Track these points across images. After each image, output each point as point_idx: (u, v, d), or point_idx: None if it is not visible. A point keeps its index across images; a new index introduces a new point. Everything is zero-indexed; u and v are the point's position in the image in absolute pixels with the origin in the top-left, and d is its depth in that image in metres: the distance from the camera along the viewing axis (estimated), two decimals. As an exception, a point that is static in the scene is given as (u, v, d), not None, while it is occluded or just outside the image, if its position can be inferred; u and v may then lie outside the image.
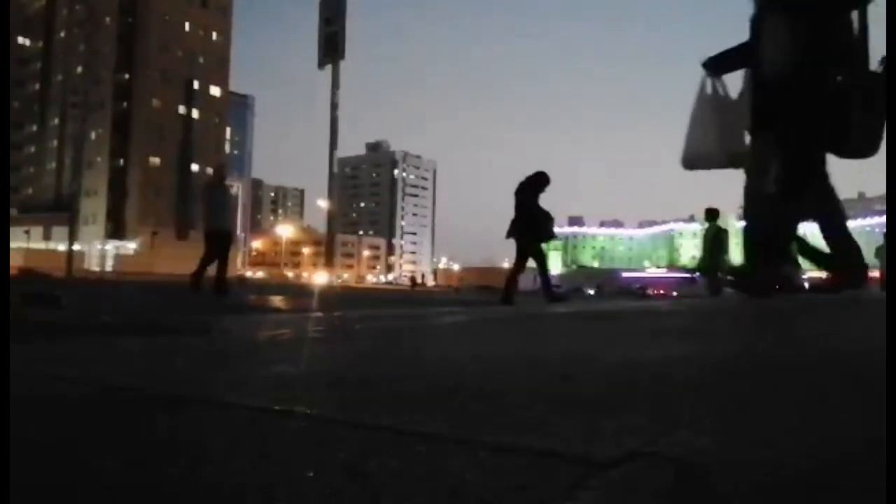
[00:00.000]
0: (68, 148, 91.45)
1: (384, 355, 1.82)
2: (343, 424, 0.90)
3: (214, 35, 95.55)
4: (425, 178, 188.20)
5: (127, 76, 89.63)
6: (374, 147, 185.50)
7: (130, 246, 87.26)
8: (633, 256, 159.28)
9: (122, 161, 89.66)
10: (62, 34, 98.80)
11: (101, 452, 0.80)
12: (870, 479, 0.68)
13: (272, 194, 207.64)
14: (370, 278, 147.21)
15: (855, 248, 4.30)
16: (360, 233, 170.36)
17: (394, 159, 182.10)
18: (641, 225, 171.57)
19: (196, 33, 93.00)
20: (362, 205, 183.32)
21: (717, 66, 4.41)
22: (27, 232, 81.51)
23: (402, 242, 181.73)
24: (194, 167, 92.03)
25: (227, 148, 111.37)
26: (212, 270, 9.35)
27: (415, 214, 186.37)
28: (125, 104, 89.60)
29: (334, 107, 6.80)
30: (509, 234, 8.53)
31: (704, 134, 4.39)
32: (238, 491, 0.65)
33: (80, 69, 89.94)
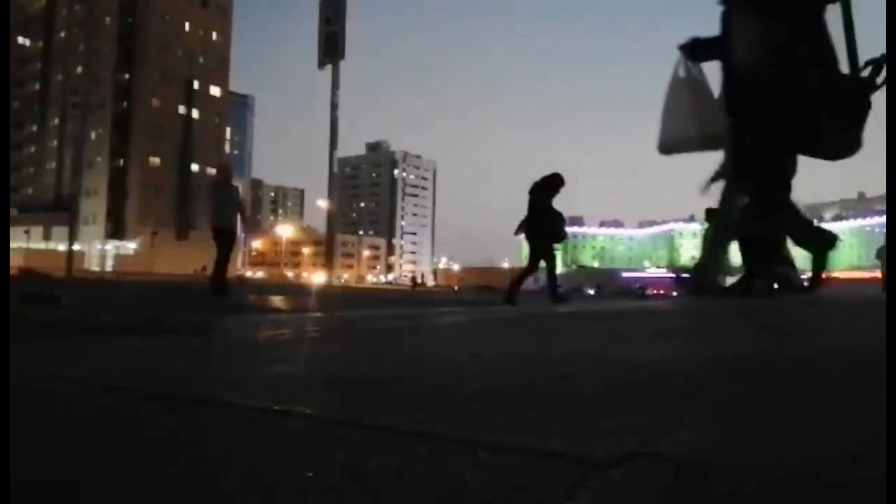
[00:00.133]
0: (68, 148, 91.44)
1: (384, 355, 1.82)
2: (343, 424, 0.90)
3: (214, 35, 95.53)
4: (425, 178, 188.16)
5: (127, 76, 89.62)
6: (374, 147, 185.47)
7: (130, 246, 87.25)
8: (633, 256, 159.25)
9: (122, 161, 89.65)
10: (62, 34, 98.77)
11: (101, 452, 0.80)
12: (870, 479, 0.68)
13: (272, 194, 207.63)
14: (370, 278, 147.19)
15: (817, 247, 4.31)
16: (360, 233, 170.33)
17: (394, 159, 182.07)
18: (641, 225, 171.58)
19: (196, 33, 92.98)
20: (362, 205, 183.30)
21: (693, 50, 4.33)
22: (27, 232, 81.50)
23: (402, 242, 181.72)
24: (194, 167, 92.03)
25: (227, 148, 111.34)
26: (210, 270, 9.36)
27: (415, 214, 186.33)
28: (125, 104, 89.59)
29: (334, 107, 6.80)
30: (518, 232, 8.55)
31: (680, 117, 4.30)
32: (238, 491, 0.65)
33: (80, 69, 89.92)
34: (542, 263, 8.55)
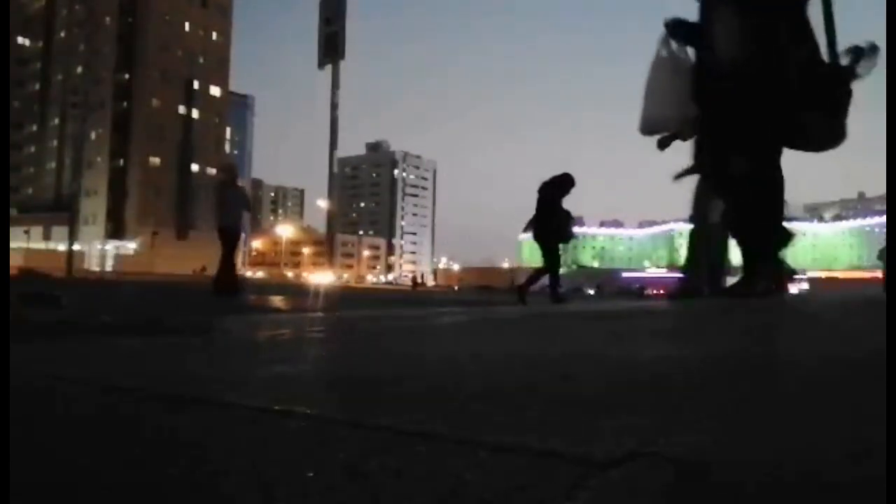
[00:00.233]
0: (68, 148, 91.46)
1: (384, 355, 1.82)
2: (343, 424, 0.90)
3: (214, 35, 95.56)
4: (425, 178, 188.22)
5: (127, 76, 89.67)
6: (374, 147, 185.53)
7: (130, 246, 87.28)
8: (633, 256, 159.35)
9: (122, 161, 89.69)
10: (62, 34, 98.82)
11: (101, 452, 0.80)
12: (870, 479, 0.68)
13: (272, 194, 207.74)
14: (370, 278, 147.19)
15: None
16: (360, 233, 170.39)
17: (394, 159, 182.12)
18: (641, 225, 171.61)
19: (196, 33, 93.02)
20: (362, 205, 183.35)
21: (676, 29, 4.18)
22: (27, 232, 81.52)
23: (402, 242, 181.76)
24: (194, 167, 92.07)
25: (227, 148, 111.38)
26: (212, 269, 9.45)
27: (415, 214, 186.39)
28: (125, 104, 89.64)
29: (334, 107, 6.81)
30: (526, 230, 8.56)
31: (661, 97, 4.18)
32: (238, 491, 0.65)
33: (80, 69, 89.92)
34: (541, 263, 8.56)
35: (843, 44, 3.90)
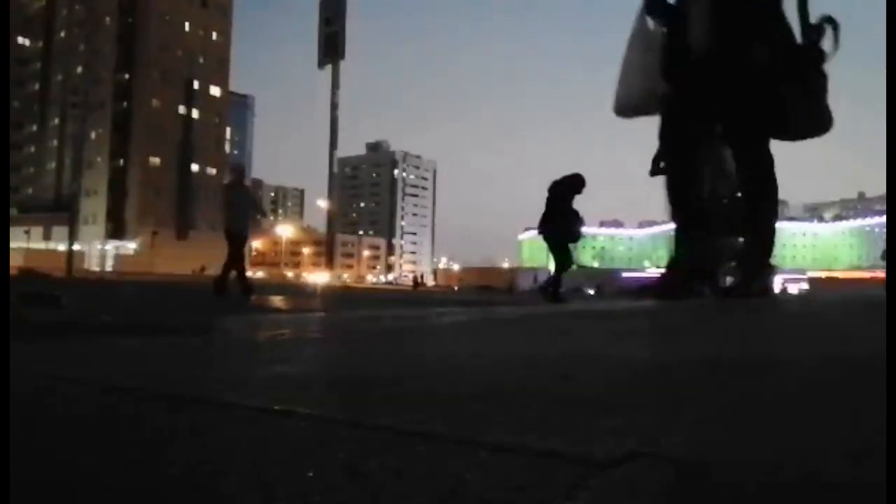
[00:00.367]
0: (68, 148, 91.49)
1: (384, 355, 1.82)
2: (343, 424, 0.90)
3: (214, 35, 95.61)
4: (425, 178, 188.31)
5: (127, 76, 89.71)
6: (374, 147, 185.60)
7: (130, 246, 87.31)
8: (633, 256, 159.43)
9: (122, 161, 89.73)
10: (62, 34, 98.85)
11: (101, 452, 0.80)
12: (870, 479, 0.68)
13: (272, 194, 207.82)
14: (370, 278, 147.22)
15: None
16: (360, 233, 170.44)
17: (394, 159, 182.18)
18: (641, 225, 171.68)
19: (196, 33, 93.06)
20: (362, 205, 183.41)
21: (652, 5, 4.02)
22: (27, 232, 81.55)
23: (402, 242, 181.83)
24: (194, 167, 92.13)
25: (227, 148, 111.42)
26: (214, 269, 9.56)
27: (415, 214, 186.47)
28: (125, 104, 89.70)
29: (334, 107, 6.82)
30: (539, 231, 8.59)
31: (633, 72, 4.03)
32: (238, 491, 0.65)
33: (80, 69, 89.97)
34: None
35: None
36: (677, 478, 0.69)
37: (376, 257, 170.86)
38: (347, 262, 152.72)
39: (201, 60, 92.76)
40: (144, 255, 79.95)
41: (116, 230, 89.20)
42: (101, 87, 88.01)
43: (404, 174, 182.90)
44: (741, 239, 4.86)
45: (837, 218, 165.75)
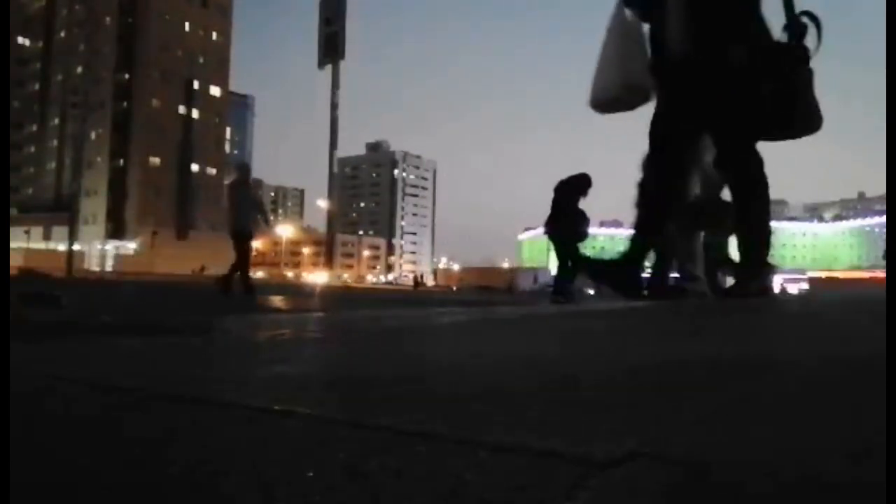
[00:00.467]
0: (68, 148, 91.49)
1: (384, 355, 1.82)
2: (343, 424, 0.90)
3: (214, 35, 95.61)
4: (425, 178, 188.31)
5: (127, 76, 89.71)
6: (374, 147, 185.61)
7: (130, 246, 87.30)
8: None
9: (122, 161, 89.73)
10: (62, 34, 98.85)
11: (101, 452, 0.80)
12: (870, 479, 0.68)
13: (272, 194, 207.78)
14: (370, 278, 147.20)
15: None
16: (360, 233, 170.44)
17: (394, 159, 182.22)
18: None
19: (196, 33, 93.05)
20: (362, 205, 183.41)
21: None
22: (27, 232, 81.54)
23: (402, 242, 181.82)
24: (194, 167, 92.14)
25: (227, 148, 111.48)
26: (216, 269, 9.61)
27: (415, 214, 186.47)
28: (125, 104, 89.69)
29: (334, 107, 6.82)
30: (546, 231, 8.60)
31: (610, 63, 3.89)
32: (238, 491, 0.65)
33: (80, 69, 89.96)
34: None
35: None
36: (677, 478, 0.69)
37: (376, 257, 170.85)
38: (347, 262, 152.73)
39: (201, 60, 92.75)
40: (144, 255, 79.90)
41: (116, 230, 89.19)
42: (101, 87, 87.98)
43: (404, 174, 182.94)
44: (734, 240, 4.82)
45: (837, 218, 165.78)
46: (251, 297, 8.72)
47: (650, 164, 3.91)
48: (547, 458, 0.72)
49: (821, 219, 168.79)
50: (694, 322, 3.28)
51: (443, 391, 1.18)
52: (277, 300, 8.65)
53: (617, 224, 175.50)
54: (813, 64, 3.72)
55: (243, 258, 9.51)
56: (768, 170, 3.90)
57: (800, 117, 3.78)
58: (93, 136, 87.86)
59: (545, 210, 8.54)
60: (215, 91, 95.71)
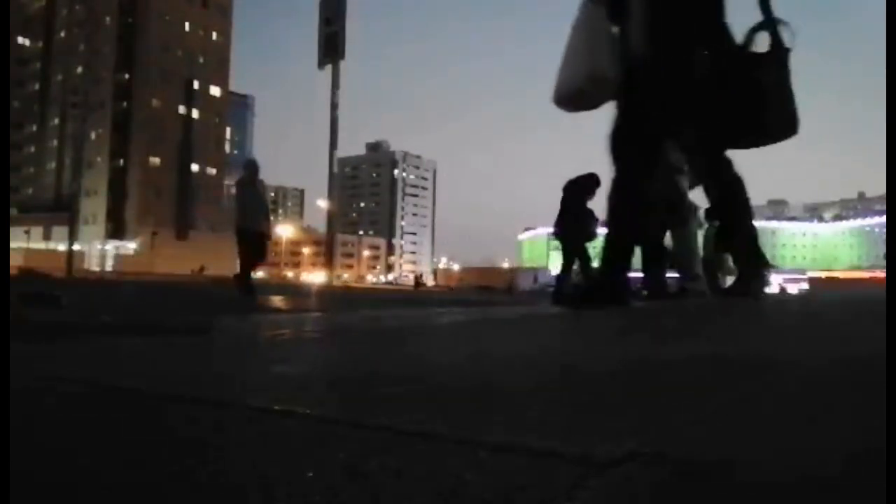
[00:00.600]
0: (68, 148, 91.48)
1: (384, 355, 1.82)
2: (343, 424, 0.90)
3: (214, 35, 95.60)
4: (425, 178, 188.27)
5: (127, 76, 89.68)
6: (374, 147, 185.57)
7: (130, 246, 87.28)
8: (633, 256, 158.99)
9: (122, 161, 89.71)
10: (62, 34, 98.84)
11: (101, 452, 0.80)
12: (870, 479, 0.68)
13: (272, 194, 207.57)
14: (370, 278, 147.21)
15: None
16: (360, 233, 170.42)
17: (394, 159, 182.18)
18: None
19: (196, 33, 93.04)
20: (362, 205, 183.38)
21: None
22: (27, 232, 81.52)
23: (402, 242, 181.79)
24: (194, 167, 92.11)
25: (227, 148, 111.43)
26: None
27: (415, 214, 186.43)
28: (125, 104, 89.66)
29: (334, 107, 6.82)
30: (555, 231, 8.59)
31: (575, 56, 3.73)
32: (238, 491, 0.65)
33: (80, 69, 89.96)
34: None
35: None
36: (677, 478, 0.69)
37: (376, 257, 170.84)
38: (347, 262, 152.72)
39: (201, 60, 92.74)
40: (144, 256, 79.86)
41: (116, 230, 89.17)
42: (101, 87, 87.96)
43: (404, 174, 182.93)
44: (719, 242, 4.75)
45: (837, 218, 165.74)
46: (251, 297, 8.71)
47: (620, 167, 3.82)
48: (547, 458, 0.72)
49: (821, 219, 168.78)
50: (694, 322, 3.28)
51: (443, 391, 1.18)
52: (277, 300, 8.65)
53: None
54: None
55: (251, 256, 9.46)
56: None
57: (773, 122, 3.69)
58: (93, 136, 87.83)
59: (545, 210, 8.60)
60: (215, 91, 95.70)
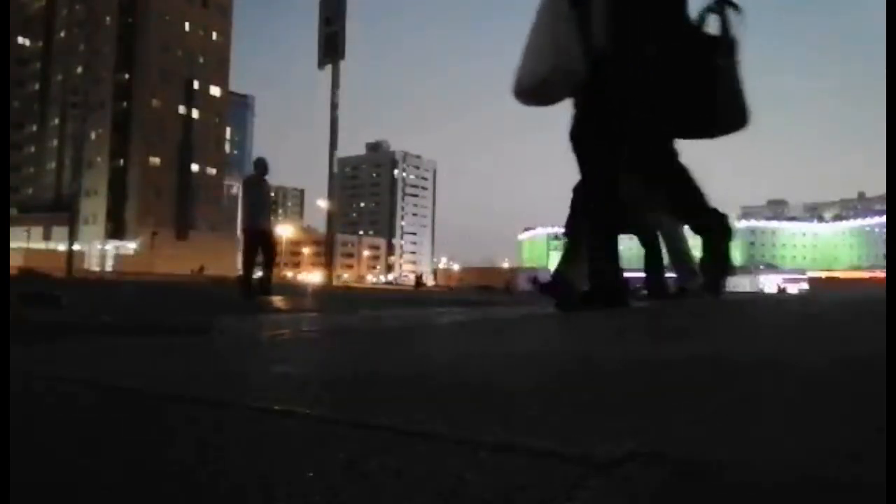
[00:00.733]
0: (68, 148, 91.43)
1: (384, 355, 1.82)
2: (343, 424, 0.90)
3: (214, 35, 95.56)
4: (425, 178, 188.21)
5: (127, 76, 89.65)
6: (374, 147, 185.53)
7: (130, 246, 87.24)
8: (633, 256, 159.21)
9: (122, 161, 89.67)
10: (62, 34, 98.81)
11: (101, 452, 0.80)
12: (870, 479, 0.68)
13: (272, 194, 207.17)
14: (370, 278, 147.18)
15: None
16: (360, 233, 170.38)
17: (394, 159, 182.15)
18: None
19: (196, 33, 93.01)
20: (362, 205, 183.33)
21: None
22: (27, 232, 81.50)
23: (402, 242, 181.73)
24: (194, 167, 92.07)
25: (227, 148, 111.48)
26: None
27: (415, 214, 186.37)
28: (125, 104, 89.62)
29: (334, 107, 6.82)
30: (566, 233, 8.56)
31: (537, 45, 3.57)
32: (238, 491, 0.65)
33: (80, 69, 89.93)
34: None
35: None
36: (677, 478, 0.69)
37: (376, 257, 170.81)
38: (347, 262, 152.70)
39: (201, 60, 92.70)
40: (144, 256, 79.80)
41: (116, 230, 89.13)
42: (101, 87, 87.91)
43: (404, 174, 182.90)
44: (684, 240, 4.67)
45: (837, 218, 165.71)
46: (251, 298, 8.69)
47: (594, 164, 3.72)
48: (547, 458, 0.72)
49: (821, 219, 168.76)
50: (693, 322, 3.28)
51: (443, 391, 1.18)
52: (277, 300, 8.65)
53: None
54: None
55: (266, 257, 9.47)
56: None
57: (722, 112, 3.56)
58: (93, 136, 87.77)
59: (545, 210, 8.57)
60: (215, 91, 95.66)
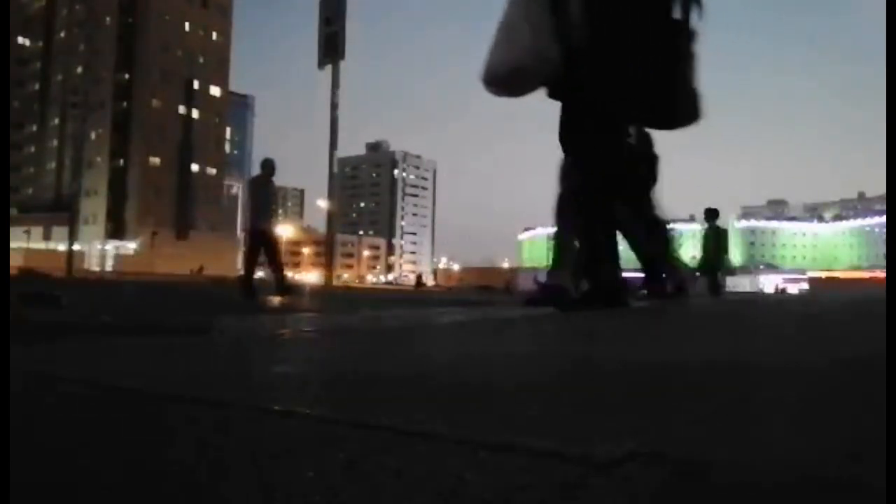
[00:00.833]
0: (68, 148, 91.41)
1: (384, 355, 1.82)
2: (343, 424, 0.90)
3: (214, 35, 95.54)
4: (425, 178, 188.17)
5: (127, 76, 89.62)
6: (374, 147, 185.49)
7: (130, 246, 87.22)
8: (632, 257, 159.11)
9: (122, 161, 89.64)
10: (62, 34, 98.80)
11: (101, 452, 0.80)
12: (871, 479, 0.68)
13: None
14: (370, 278, 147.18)
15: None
16: (360, 233, 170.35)
17: (394, 159, 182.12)
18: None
19: (196, 33, 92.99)
20: (362, 205, 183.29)
21: None
22: (27, 232, 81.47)
23: (402, 242, 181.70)
24: (194, 167, 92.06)
25: (227, 148, 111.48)
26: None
27: (415, 214, 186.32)
28: (125, 104, 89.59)
29: (334, 107, 6.82)
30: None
31: (513, 31, 3.47)
32: (238, 491, 0.65)
33: (80, 69, 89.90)
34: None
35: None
36: (677, 478, 0.69)
37: (376, 257, 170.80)
38: (347, 262, 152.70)
39: (201, 60, 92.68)
40: (144, 255, 79.77)
41: (116, 230, 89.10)
42: (101, 87, 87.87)
43: (404, 174, 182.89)
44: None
45: (837, 218, 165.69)
46: (251, 298, 8.69)
47: (584, 156, 3.66)
48: (547, 458, 0.72)
49: (821, 219, 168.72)
50: (693, 321, 3.28)
51: (443, 391, 1.18)
52: (277, 300, 8.64)
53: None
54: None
55: (271, 258, 9.50)
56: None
57: (679, 107, 3.53)
58: (93, 136, 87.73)
59: (545, 210, 8.53)
60: (215, 91, 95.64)
